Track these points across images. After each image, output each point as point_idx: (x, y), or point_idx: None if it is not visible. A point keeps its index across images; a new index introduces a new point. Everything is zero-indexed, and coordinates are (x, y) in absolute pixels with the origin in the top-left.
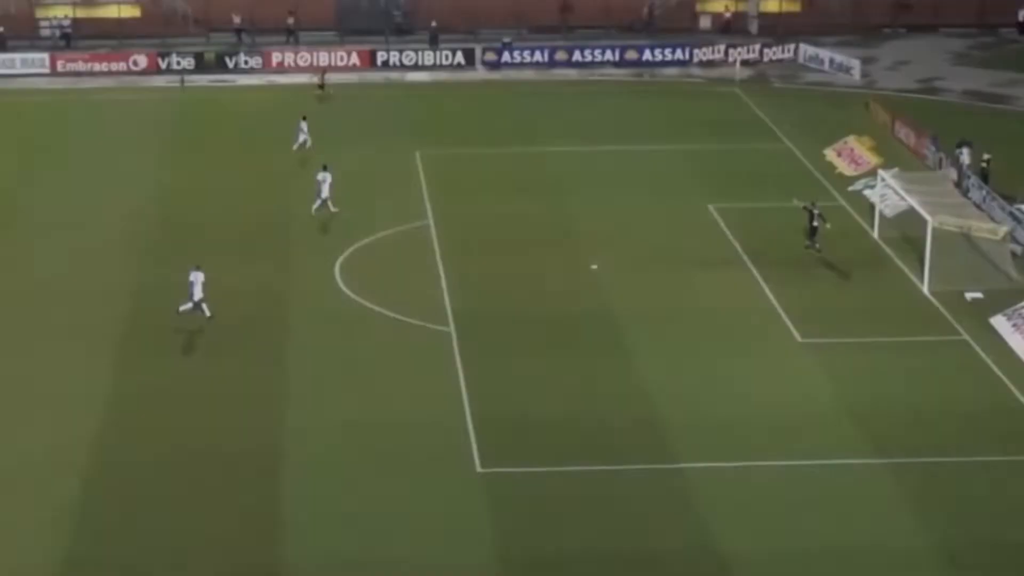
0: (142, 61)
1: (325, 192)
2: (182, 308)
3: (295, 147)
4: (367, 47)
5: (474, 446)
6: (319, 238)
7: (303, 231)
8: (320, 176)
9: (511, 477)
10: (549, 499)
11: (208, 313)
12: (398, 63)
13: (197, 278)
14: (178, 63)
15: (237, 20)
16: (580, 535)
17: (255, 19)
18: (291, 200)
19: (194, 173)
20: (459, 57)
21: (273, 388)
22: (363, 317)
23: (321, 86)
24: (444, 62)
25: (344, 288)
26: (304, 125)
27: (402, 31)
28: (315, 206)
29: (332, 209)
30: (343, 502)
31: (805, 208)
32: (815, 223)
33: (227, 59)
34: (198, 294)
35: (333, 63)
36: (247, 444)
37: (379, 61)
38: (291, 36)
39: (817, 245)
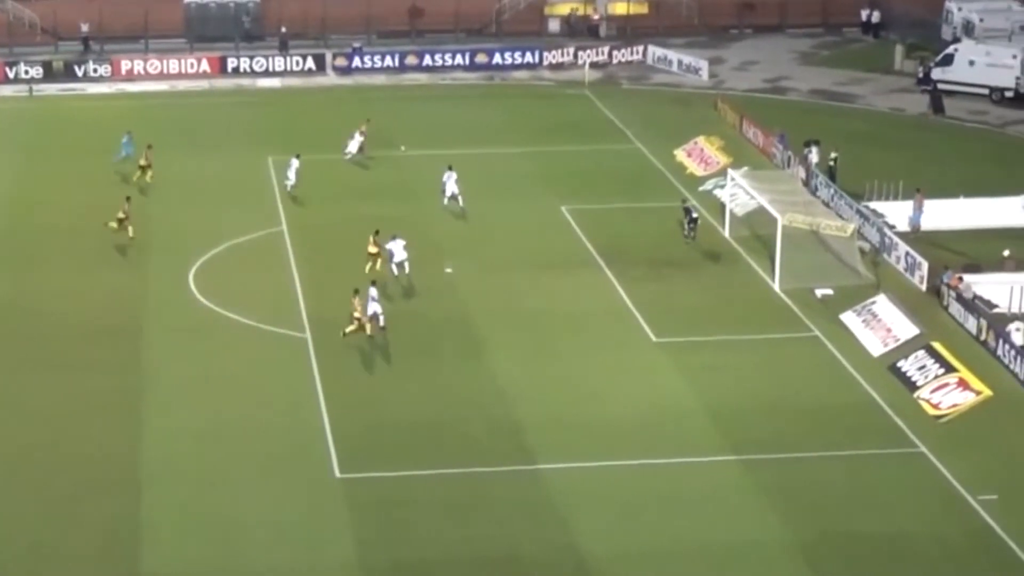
0: None
1: (452, 189)
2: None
3: None
4: (217, 54)
5: (332, 452)
6: (172, 246)
7: (156, 239)
8: (445, 176)
9: (370, 482)
10: (409, 504)
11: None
12: (248, 69)
13: (397, 245)
14: (26, 72)
15: (85, 28)
16: (441, 539)
17: (104, 27)
18: (143, 208)
19: (44, 182)
20: (310, 63)
21: (129, 397)
22: (219, 325)
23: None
24: (295, 68)
25: (199, 296)
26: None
27: (252, 37)
28: (444, 201)
29: (444, 203)
30: (202, 510)
31: (684, 207)
32: (694, 215)
33: (76, 67)
34: (400, 259)
35: (183, 71)
36: (104, 453)
37: (229, 68)
38: (87, 44)
39: (693, 235)
